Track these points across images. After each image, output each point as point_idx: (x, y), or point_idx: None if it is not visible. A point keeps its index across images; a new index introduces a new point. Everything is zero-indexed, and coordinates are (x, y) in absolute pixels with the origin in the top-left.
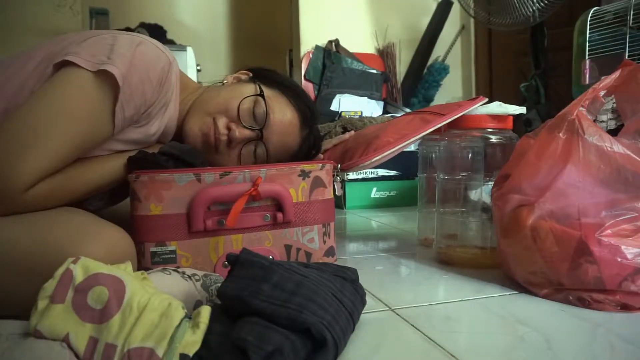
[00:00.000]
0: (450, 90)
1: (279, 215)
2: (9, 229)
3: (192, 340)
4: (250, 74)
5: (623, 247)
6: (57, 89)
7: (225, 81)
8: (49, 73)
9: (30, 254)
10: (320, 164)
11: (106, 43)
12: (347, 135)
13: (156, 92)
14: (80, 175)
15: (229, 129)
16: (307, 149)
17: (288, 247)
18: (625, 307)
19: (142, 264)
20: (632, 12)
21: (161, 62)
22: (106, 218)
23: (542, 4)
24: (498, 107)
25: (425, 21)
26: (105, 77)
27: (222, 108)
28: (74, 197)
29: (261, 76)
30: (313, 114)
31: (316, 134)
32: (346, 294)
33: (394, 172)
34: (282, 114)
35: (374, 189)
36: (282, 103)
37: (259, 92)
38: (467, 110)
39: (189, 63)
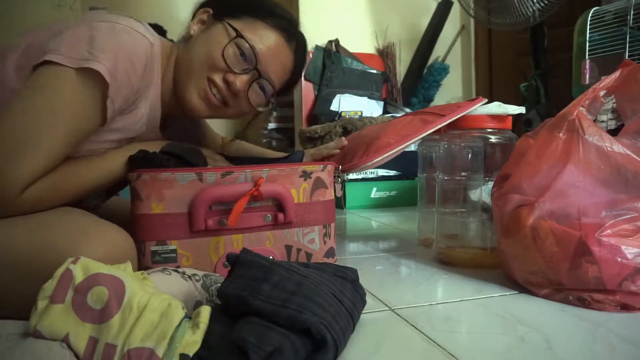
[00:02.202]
0: (450, 90)
1: (280, 215)
2: (8, 230)
3: (192, 340)
4: (211, 11)
5: (623, 247)
6: (43, 89)
7: (192, 32)
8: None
9: (30, 254)
10: (322, 165)
11: (84, 35)
12: (336, 150)
13: (141, 78)
14: (79, 176)
15: (226, 82)
16: (301, 57)
17: (288, 248)
18: (625, 307)
19: (143, 263)
20: (632, 12)
21: (144, 47)
22: (106, 218)
23: (542, 4)
24: (497, 107)
25: (425, 21)
26: (90, 74)
27: (208, 65)
28: (74, 198)
29: (223, 10)
30: (291, 22)
31: (301, 40)
32: (346, 294)
33: (394, 172)
34: (266, 40)
35: (374, 189)
36: (259, 29)
37: (234, 35)
38: (467, 111)
39: None
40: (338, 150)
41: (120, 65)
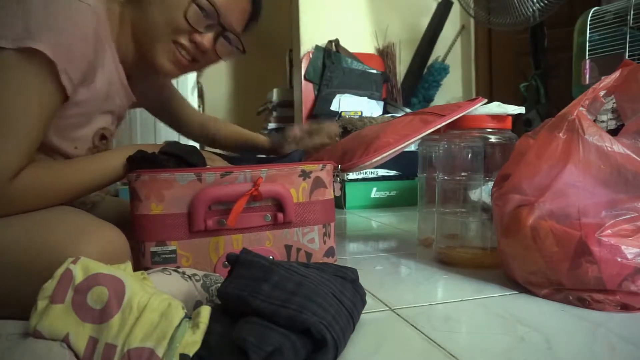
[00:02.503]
0: (450, 90)
1: (280, 215)
2: (6, 230)
3: (192, 340)
4: None
5: (623, 247)
6: None
7: None
8: None
9: (29, 253)
10: (321, 165)
11: (17, 12)
12: (327, 140)
13: (93, 45)
14: (77, 176)
15: (194, 42)
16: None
17: (288, 248)
18: (625, 307)
19: (142, 264)
20: (632, 12)
21: (84, 15)
22: (103, 217)
23: (542, 4)
24: (497, 107)
25: (425, 21)
26: (32, 52)
27: (171, 29)
28: (72, 197)
29: None
30: None
31: None
32: (346, 294)
33: (394, 172)
34: None
35: (374, 189)
36: None
37: None
38: (467, 111)
39: None
40: (328, 140)
41: (62, 38)
